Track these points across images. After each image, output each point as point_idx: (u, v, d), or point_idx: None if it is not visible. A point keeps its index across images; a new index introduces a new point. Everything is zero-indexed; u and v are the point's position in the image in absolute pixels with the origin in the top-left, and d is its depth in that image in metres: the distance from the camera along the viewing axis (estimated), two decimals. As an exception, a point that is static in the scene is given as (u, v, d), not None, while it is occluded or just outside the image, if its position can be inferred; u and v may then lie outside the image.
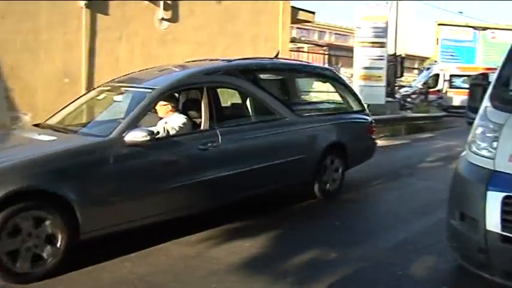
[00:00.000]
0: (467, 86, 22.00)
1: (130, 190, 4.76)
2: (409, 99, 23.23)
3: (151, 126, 5.23)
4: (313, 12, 14.98)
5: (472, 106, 4.88)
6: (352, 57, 17.81)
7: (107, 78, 6.70)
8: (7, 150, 4.97)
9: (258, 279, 4.30)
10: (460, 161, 4.21)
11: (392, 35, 19.19)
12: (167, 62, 7.47)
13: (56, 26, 8.99)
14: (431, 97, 24.13)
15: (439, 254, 4.87)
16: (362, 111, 7.85)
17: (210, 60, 6.92)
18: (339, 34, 43.73)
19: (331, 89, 7.83)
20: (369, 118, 7.90)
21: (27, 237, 4.10)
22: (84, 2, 9.18)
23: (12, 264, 4.05)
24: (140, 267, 4.50)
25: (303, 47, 32.47)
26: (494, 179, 3.67)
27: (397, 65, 20.94)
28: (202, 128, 5.54)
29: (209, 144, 5.39)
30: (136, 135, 4.75)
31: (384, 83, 16.93)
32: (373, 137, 8.03)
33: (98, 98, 6.19)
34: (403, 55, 22.57)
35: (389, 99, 18.60)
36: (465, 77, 24.00)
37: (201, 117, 5.58)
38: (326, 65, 26.49)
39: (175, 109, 5.66)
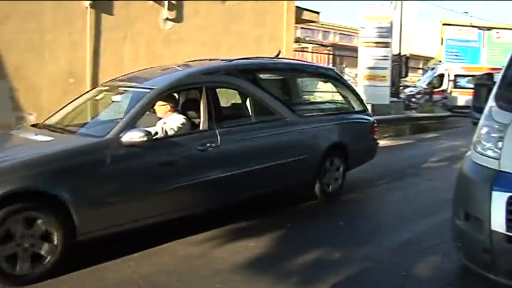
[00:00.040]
0: (472, 86, 21.96)
1: (127, 191, 4.72)
2: (413, 99, 23.19)
3: (150, 126, 5.19)
4: (317, 12, 14.97)
5: (477, 106, 4.88)
6: (357, 57, 17.78)
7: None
8: (3, 150, 4.92)
9: (262, 279, 4.30)
10: (465, 161, 4.19)
11: (397, 35, 19.17)
12: (171, 62, 7.47)
13: (61, 26, 9.01)
14: (436, 97, 24.08)
15: (443, 254, 4.85)
16: (364, 111, 7.80)
17: (210, 60, 6.87)
18: (344, 34, 43.65)
19: (333, 89, 7.78)
20: (371, 118, 7.84)
21: (22, 239, 4.06)
22: (88, 2, 9.20)
23: (12, 268, 4.03)
24: (144, 267, 4.50)
25: (307, 47, 32.46)
26: (499, 179, 3.66)
27: (401, 65, 20.93)
28: (201, 128, 5.50)
29: (208, 145, 5.34)
30: (133, 136, 4.71)
31: (388, 83, 16.88)
32: (375, 137, 7.97)
33: (97, 98, 6.15)
34: (408, 55, 22.54)
35: (394, 99, 18.57)
36: (470, 77, 23.96)
37: (200, 118, 5.54)
38: (330, 65, 26.49)
39: (174, 109, 5.61)
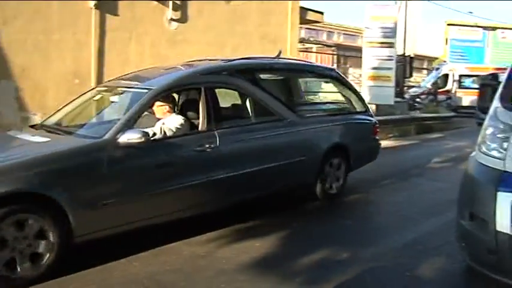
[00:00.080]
0: (476, 86, 22.03)
1: (125, 192, 4.66)
2: (418, 100, 23.22)
3: (150, 127, 5.14)
4: (321, 13, 14.96)
5: (482, 106, 4.89)
6: (361, 57, 17.78)
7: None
8: None
9: (267, 279, 4.31)
10: (470, 161, 4.19)
11: (401, 35, 19.16)
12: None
13: (66, 27, 9.05)
14: (441, 97, 24.09)
15: (448, 254, 4.85)
16: (365, 112, 7.70)
17: (210, 60, 6.79)
18: (348, 34, 43.59)
19: (334, 89, 7.69)
20: (373, 119, 7.76)
21: (17, 242, 4.02)
22: (93, 2, 9.23)
23: (11, 272, 4.01)
24: (150, 267, 4.52)
25: (311, 48, 32.46)
26: (504, 180, 3.66)
27: (406, 65, 20.90)
28: (199, 129, 5.43)
29: (206, 146, 5.27)
30: (130, 137, 4.65)
31: (392, 84, 16.88)
32: (377, 138, 7.88)
33: (95, 98, 6.06)
34: (412, 55, 22.51)
35: (398, 99, 18.57)
36: (474, 77, 23.99)
37: (199, 118, 5.49)
38: (334, 66, 26.48)
39: (173, 110, 5.58)
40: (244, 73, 6.14)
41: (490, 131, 4.03)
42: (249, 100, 6.14)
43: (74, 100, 6.11)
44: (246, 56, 6.86)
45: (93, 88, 6.22)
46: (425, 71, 36.54)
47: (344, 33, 44.15)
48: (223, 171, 5.40)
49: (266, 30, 12.37)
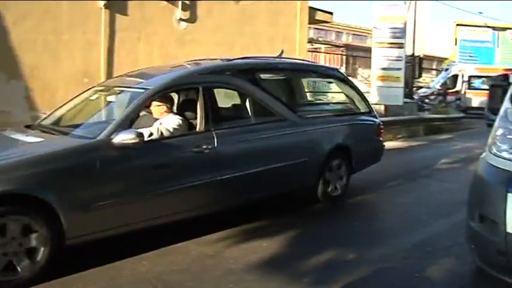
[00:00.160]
0: (486, 87, 21.93)
1: (119, 194, 4.54)
2: (427, 100, 23.15)
3: (148, 127, 5.09)
4: (331, 13, 14.95)
5: (492, 107, 4.86)
6: (370, 57, 17.75)
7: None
8: None
9: (275, 279, 4.30)
10: (480, 162, 4.17)
11: (411, 35, 19.11)
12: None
13: (76, 27, 9.09)
14: (450, 98, 24.01)
15: (457, 256, 4.83)
16: (369, 112, 7.56)
17: (210, 59, 6.70)
18: (357, 35, 43.55)
19: (337, 89, 7.59)
20: (377, 120, 7.62)
21: (9, 244, 3.96)
22: (103, 2, 9.27)
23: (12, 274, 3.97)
24: (158, 266, 4.53)
25: (320, 48, 32.45)
26: (514, 182, 3.64)
27: (415, 65, 20.88)
28: (197, 129, 5.32)
29: (204, 147, 5.16)
30: (124, 137, 4.54)
31: (402, 84, 16.84)
32: (381, 139, 7.73)
33: (92, 98, 5.96)
34: (421, 56, 22.46)
35: (408, 100, 18.53)
36: (484, 78, 23.90)
37: (197, 119, 5.38)
38: (343, 66, 26.44)
39: (171, 110, 5.47)
40: (243, 73, 6.04)
41: (500, 132, 4.01)
42: (249, 100, 6.02)
43: (71, 100, 6.02)
44: (246, 55, 6.77)
45: (91, 88, 6.10)
46: (434, 72, 36.44)
47: (353, 34, 44.12)
48: (221, 173, 5.29)
49: (275, 30, 12.37)
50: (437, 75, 31.04)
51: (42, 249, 4.10)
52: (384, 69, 16.70)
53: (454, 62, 28.38)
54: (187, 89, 5.84)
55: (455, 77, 25.26)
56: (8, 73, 8.47)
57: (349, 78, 8.48)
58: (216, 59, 6.58)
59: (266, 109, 6.06)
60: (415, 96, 22.27)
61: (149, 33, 10.10)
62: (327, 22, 16.91)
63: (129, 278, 4.28)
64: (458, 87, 24.93)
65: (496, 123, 4.13)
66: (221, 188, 5.36)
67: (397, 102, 16.79)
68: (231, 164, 5.43)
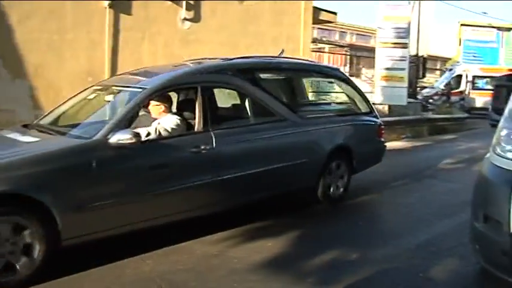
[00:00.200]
0: (490, 87, 21.93)
1: (116, 194, 4.49)
2: (431, 101, 23.14)
3: (147, 127, 5.04)
4: (335, 13, 14.94)
5: (497, 107, 4.85)
6: (374, 57, 17.74)
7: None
8: None
9: (279, 279, 4.31)
10: (484, 163, 4.17)
11: (414, 35, 19.08)
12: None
13: (80, 26, 9.12)
14: (454, 98, 23.99)
15: (461, 256, 4.83)
16: (370, 113, 7.50)
17: (210, 59, 6.65)
18: (360, 35, 43.51)
19: (338, 89, 7.55)
20: (378, 120, 7.56)
21: (4, 245, 3.93)
22: (107, 2, 9.29)
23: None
24: (162, 265, 4.53)
25: (323, 48, 32.44)
26: (519, 182, 3.63)
27: (419, 65, 20.85)
28: (195, 129, 5.25)
29: (202, 147, 5.10)
30: (121, 137, 4.49)
31: (405, 84, 16.82)
32: (382, 139, 7.68)
33: (90, 97, 5.91)
34: (425, 56, 22.43)
35: (411, 100, 18.51)
36: (488, 78, 23.89)
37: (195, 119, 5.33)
38: (347, 66, 26.41)
39: (169, 110, 5.41)
40: (243, 72, 5.98)
41: (505, 132, 4.01)
42: (248, 100, 5.93)
43: (69, 99, 5.98)
44: (246, 55, 6.72)
45: (89, 87, 6.07)
46: (438, 72, 36.40)
47: (357, 34, 44.07)
48: (220, 173, 5.25)
49: (279, 30, 12.37)
50: (441, 75, 30.98)
51: (38, 245, 4.06)
52: (387, 69, 16.69)
53: (458, 62, 28.34)
54: (187, 89, 5.79)
55: (459, 77, 25.24)
56: (12, 72, 8.50)
57: (351, 78, 8.44)
58: (215, 59, 6.54)
59: (266, 109, 5.99)
60: (419, 97, 22.24)
61: (153, 32, 10.12)
62: (330, 22, 16.91)
63: (133, 277, 4.29)
64: (462, 87, 24.91)
65: (501, 124, 4.12)
66: (219, 189, 5.32)
67: (401, 102, 16.78)
68: (229, 164, 5.38)
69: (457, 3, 38.06)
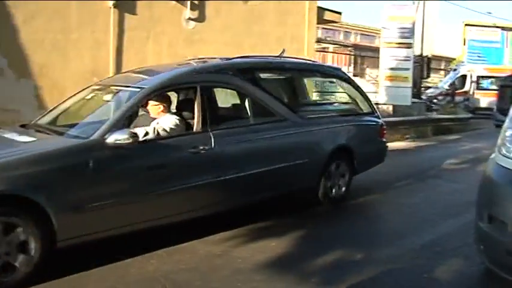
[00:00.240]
0: (494, 87, 21.87)
1: (113, 194, 4.44)
2: (435, 101, 23.10)
3: (146, 126, 5.00)
4: (339, 13, 14.95)
5: (501, 108, 4.85)
6: (378, 57, 17.73)
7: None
8: None
9: (282, 279, 4.30)
10: (489, 163, 4.16)
11: (419, 35, 19.07)
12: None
13: (85, 26, 9.15)
14: (458, 98, 23.95)
15: (466, 256, 4.81)
16: (372, 113, 7.46)
17: (210, 58, 6.62)
18: (365, 35, 43.48)
19: (339, 89, 7.51)
20: (380, 120, 7.52)
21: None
22: (112, 2, 9.31)
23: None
24: (166, 265, 4.53)
25: (328, 48, 32.42)
26: (524, 182, 3.63)
27: (423, 65, 20.82)
28: (194, 130, 5.19)
29: (201, 148, 5.04)
30: (118, 137, 4.44)
31: (410, 84, 16.81)
32: (384, 140, 7.62)
33: (88, 97, 5.87)
34: (430, 56, 22.39)
35: (416, 100, 18.50)
36: (493, 78, 23.84)
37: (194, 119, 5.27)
38: (352, 66, 26.37)
39: (168, 109, 5.34)
40: (243, 72, 5.93)
41: (510, 133, 4.00)
42: (248, 100, 5.87)
43: (68, 99, 5.96)
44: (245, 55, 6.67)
45: (88, 87, 6.05)
46: (442, 72, 36.34)
47: (361, 34, 44.04)
48: (219, 174, 5.21)
49: (283, 30, 12.38)
50: (445, 75, 30.95)
51: (33, 242, 4.00)
52: (392, 69, 16.69)
53: (462, 62, 28.30)
54: (186, 89, 5.73)
55: (463, 77, 25.20)
56: (17, 72, 8.54)
57: (355, 78, 8.42)
58: (215, 58, 6.51)
59: (266, 109, 5.94)
60: (423, 97, 22.22)
61: (158, 32, 10.15)
62: (335, 22, 16.92)
63: (137, 277, 4.29)
64: (466, 87, 24.86)
65: (506, 124, 4.11)
66: (219, 190, 5.28)
67: (405, 103, 16.78)
68: (229, 165, 5.34)
69: (461, 3, 38.02)
